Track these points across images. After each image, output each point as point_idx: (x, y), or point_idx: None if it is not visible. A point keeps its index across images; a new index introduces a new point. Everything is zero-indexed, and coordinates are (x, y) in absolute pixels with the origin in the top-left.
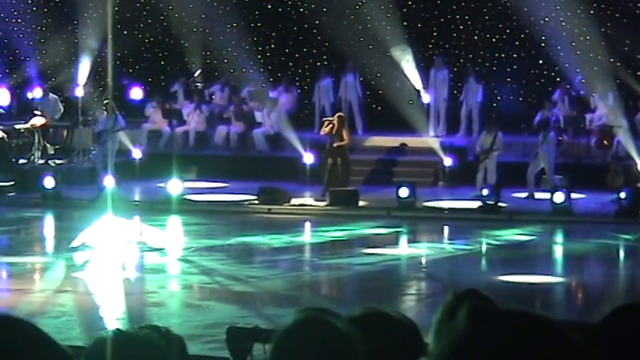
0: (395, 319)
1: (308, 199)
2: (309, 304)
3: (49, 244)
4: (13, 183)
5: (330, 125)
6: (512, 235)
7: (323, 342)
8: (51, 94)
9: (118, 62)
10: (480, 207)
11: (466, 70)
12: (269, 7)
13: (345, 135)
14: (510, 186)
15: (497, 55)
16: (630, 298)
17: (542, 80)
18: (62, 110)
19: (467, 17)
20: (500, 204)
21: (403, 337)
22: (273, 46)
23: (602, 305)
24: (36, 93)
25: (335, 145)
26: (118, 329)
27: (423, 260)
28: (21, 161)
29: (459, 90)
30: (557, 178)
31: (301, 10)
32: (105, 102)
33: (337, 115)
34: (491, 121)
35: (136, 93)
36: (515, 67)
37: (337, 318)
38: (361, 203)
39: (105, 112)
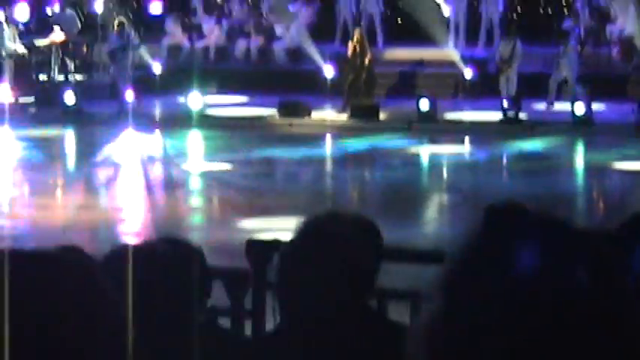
0: (351, 217)
1: (329, 113)
2: None
3: (71, 159)
4: (33, 99)
5: (354, 41)
6: (533, 146)
7: (328, 252)
8: (68, 10)
9: None
10: (500, 119)
11: None
12: None
13: (368, 49)
14: (531, 97)
15: None
16: None
17: None
18: (80, 26)
19: None
20: (520, 115)
21: (363, 234)
22: None
23: (622, 214)
24: (55, 8)
25: (364, 61)
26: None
27: (444, 172)
28: (41, 77)
29: (479, 1)
30: (579, 88)
31: None
32: (118, 21)
33: (357, 30)
34: (510, 27)
35: (155, 7)
36: None
37: (345, 223)
38: (382, 116)
39: (116, 31)
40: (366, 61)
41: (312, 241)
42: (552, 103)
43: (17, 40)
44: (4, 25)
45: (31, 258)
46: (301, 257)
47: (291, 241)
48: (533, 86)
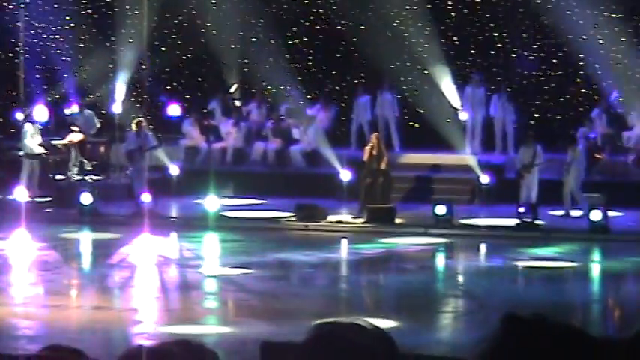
0: (365, 325)
1: (345, 216)
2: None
3: (86, 260)
4: (50, 199)
5: (371, 145)
6: (549, 253)
7: (337, 357)
8: (86, 110)
9: (155, 79)
10: (517, 225)
11: (498, 88)
12: (306, 23)
13: (385, 154)
14: (548, 204)
15: (534, 72)
16: None
17: (580, 98)
18: (98, 126)
19: (504, 35)
20: (537, 222)
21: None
22: (310, 63)
23: (638, 323)
24: (73, 109)
25: (381, 166)
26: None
27: (460, 278)
28: (58, 177)
29: (494, 108)
30: (583, 196)
31: (339, 27)
32: (136, 121)
33: (375, 135)
34: (528, 135)
35: (174, 110)
36: (552, 85)
37: (357, 330)
38: (398, 220)
39: (134, 131)
40: (383, 165)
41: (323, 344)
42: (569, 213)
43: (38, 139)
44: (26, 125)
45: None
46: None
47: (304, 344)
48: (550, 193)
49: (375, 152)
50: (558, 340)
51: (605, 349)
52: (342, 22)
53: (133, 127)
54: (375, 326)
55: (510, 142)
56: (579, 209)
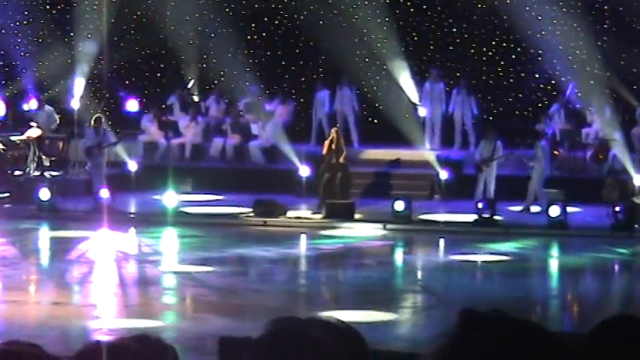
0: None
1: (304, 212)
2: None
3: (44, 256)
4: (8, 194)
5: (330, 140)
6: (508, 248)
7: (295, 353)
8: (46, 106)
9: (114, 74)
10: (475, 220)
11: (457, 83)
12: (265, 19)
13: (344, 148)
14: (507, 199)
15: (493, 68)
16: (624, 311)
17: (538, 94)
18: (58, 122)
19: (463, 31)
20: (496, 217)
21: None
22: (269, 58)
23: (596, 319)
24: (31, 104)
25: (340, 160)
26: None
27: (419, 273)
28: (16, 173)
29: (454, 103)
30: (544, 192)
31: (298, 22)
32: (95, 117)
33: (334, 129)
34: (488, 130)
35: (132, 105)
36: (511, 80)
37: (316, 325)
38: (357, 216)
39: (93, 127)
40: (342, 160)
41: (280, 340)
42: (528, 207)
43: None
44: None
45: None
46: (269, 356)
47: (260, 339)
48: (509, 189)
49: (334, 146)
50: (516, 335)
51: (564, 344)
52: (301, 17)
53: (92, 122)
54: (339, 321)
55: (470, 137)
56: (539, 205)
